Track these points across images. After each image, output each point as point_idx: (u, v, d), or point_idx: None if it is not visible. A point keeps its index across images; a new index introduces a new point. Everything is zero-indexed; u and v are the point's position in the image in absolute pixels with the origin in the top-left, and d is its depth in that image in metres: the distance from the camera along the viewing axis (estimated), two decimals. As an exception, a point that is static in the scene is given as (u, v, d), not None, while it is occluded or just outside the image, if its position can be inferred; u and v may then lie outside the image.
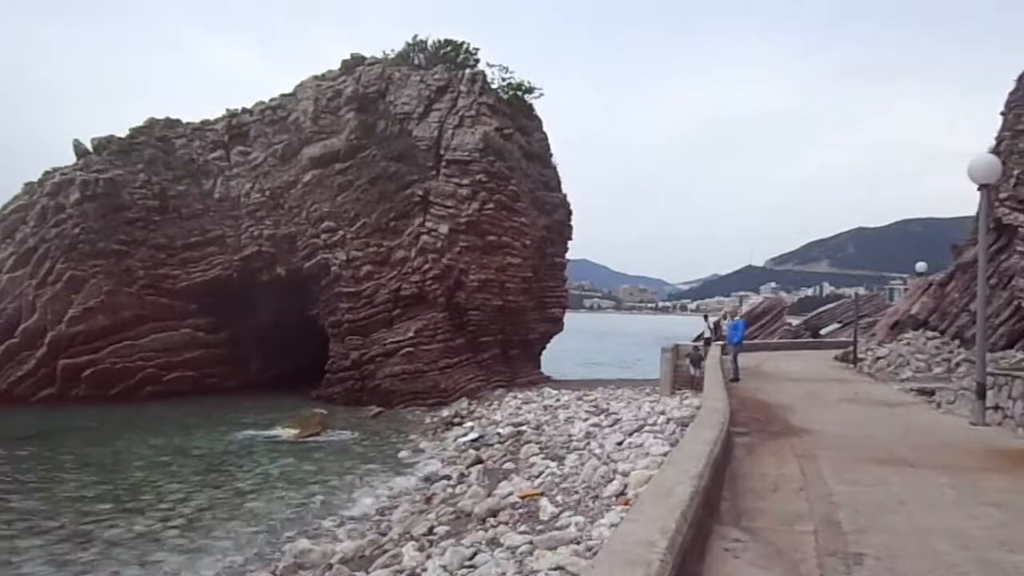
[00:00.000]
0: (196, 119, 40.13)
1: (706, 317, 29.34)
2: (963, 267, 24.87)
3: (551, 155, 41.36)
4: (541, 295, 39.28)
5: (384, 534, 15.52)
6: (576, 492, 14.96)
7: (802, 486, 8.50)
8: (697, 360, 23.51)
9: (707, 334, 26.29)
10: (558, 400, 29.43)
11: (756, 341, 42.61)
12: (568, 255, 42.92)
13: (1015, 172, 21.54)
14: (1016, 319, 22.29)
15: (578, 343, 74.59)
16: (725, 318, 29.83)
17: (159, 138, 38.25)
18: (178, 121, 39.52)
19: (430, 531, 15.04)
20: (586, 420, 23.12)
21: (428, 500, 18.12)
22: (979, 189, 13.40)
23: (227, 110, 39.80)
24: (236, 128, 38.59)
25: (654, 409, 24.91)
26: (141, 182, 36.55)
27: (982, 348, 13.57)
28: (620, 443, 17.75)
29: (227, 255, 37.64)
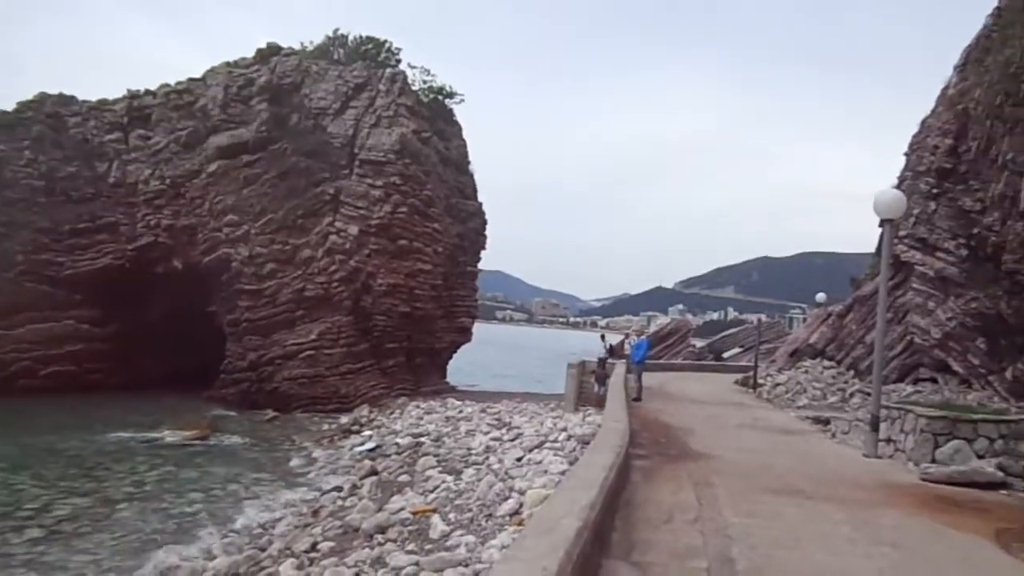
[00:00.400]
0: (93, 97, 37.74)
1: (602, 336, 28.96)
2: (861, 300, 25.59)
3: (469, 162, 40.89)
4: (451, 303, 38.64)
5: (263, 549, 14.54)
6: (470, 509, 14.39)
7: (697, 516, 8.15)
8: (603, 378, 23.29)
9: (602, 354, 26.01)
10: (461, 412, 28.81)
11: (661, 361, 43.05)
12: (482, 265, 42.48)
13: (915, 211, 22.25)
14: (908, 354, 23.02)
15: (489, 355, 74.07)
16: (628, 337, 29.88)
17: (50, 115, 35.72)
18: (73, 98, 37.03)
19: (313, 547, 14.16)
20: (487, 433, 22.59)
21: (315, 513, 17.18)
22: (882, 224, 13.57)
23: (128, 91, 37.58)
24: (137, 111, 36.47)
25: (556, 425, 24.57)
26: (26, 160, 34.08)
27: (878, 381, 13.69)
28: (519, 459, 17.29)
29: (120, 244, 35.49)
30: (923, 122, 24.87)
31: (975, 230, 20.37)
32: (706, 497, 9.18)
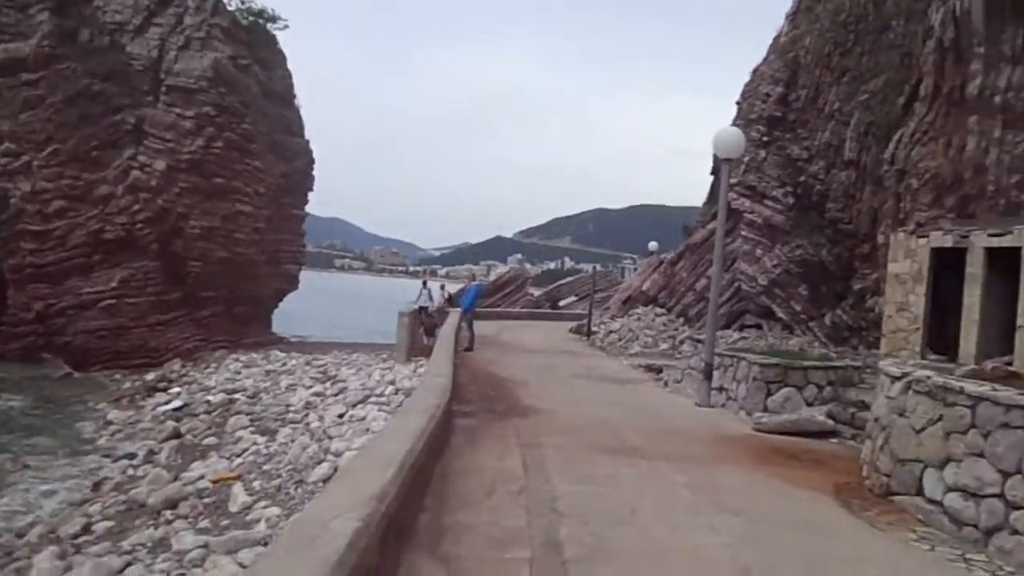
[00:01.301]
0: None
1: (424, 283, 26.96)
2: (692, 247, 25.75)
3: (295, 96, 37.73)
4: (275, 249, 35.86)
5: (22, 535, 12.24)
6: (279, 475, 12.81)
7: (523, 487, 7.04)
8: (432, 328, 22.01)
9: (424, 302, 24.46)
10: (284, 365, 26.71)
11: (499, 310, 42.49)
12: (320, 212, 39.95)
13: (745, 159, 22.33)
14: (736, 300, 23.37)
15: (325, 306, 71.09)
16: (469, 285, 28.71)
17: None
18: None
19: (86, 529, 12.06)
20: (309, 388, 20.86)
21: (97, 487, 14.88)
22: (723, 162, 13.00)
23: None
24: None
25: (384, 378, 23.10)
26: None
27: (712, 328, 13.23)
28: (341, 416, 15.83)
29: None
30: (755, 71, 24.98)
31: (802, 178, 20.65)
32: (534, 461, 8.11)
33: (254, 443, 15.67)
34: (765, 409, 11.35)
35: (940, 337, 15.83)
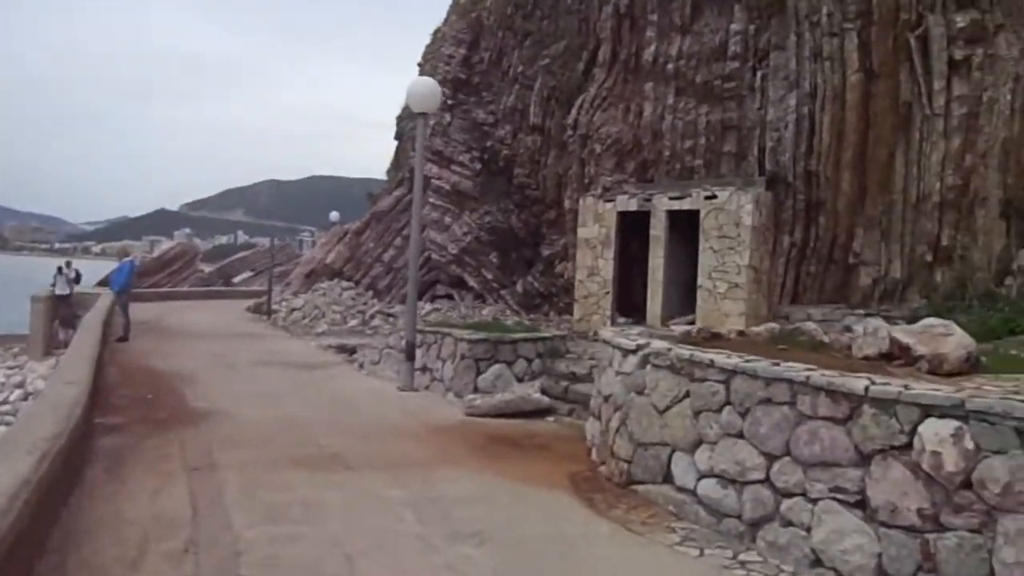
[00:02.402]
0: None
1: (60, 269, 22.77)
2: (379, 216, 24.35)
3: None
4: None
5: None
6: None
7: (190, 540, 5.06)
8: (70, 319, 18.09)
9: (62, 289, 20.47)
10: None
11: (164, 289, 37.68)
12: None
13: (431, 123, 21.34)
14: (426, 270, 22.42)
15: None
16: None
17: None
18: None
19: None
20: None
21: None
22: (419, 116, 11.68)
23: None
24: None
25: (9, 379, 18.79)
26: None
27: (412, 303, 11.93)
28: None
29: None
30: (436, 32, 24.06)
31: (489, 143, 20.16)
32: (207, 493, 6.11)
33: None
34: (476, 389, 10.33)
35: (628, 299, 16.21)
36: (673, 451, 5.91)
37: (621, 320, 15.75)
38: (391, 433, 8.62)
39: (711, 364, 5.58)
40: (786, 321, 14.20)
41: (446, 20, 23.58)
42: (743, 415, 5.27)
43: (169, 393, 10.84)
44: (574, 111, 17.81)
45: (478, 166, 20.40)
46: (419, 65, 24.33)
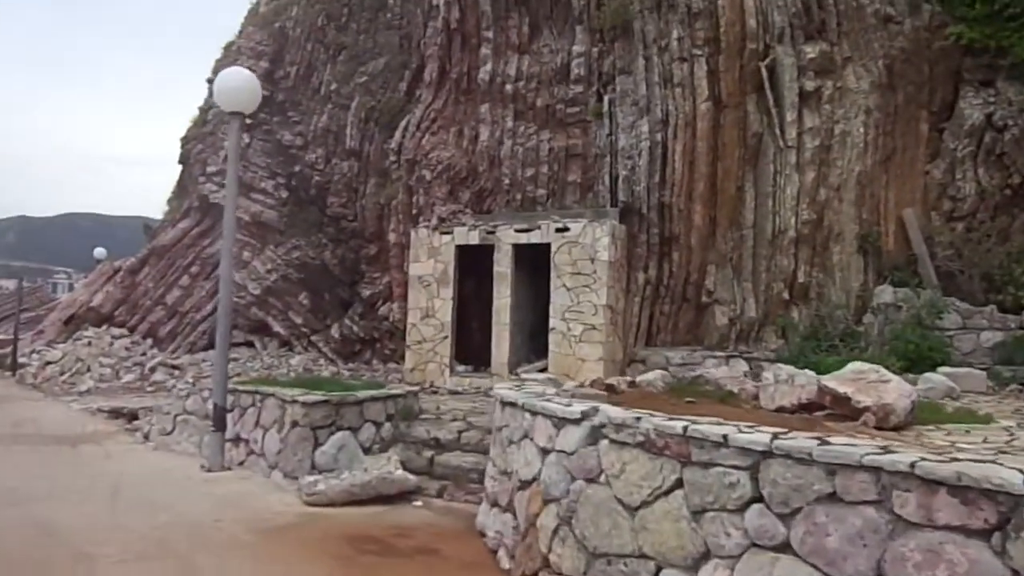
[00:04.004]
0: None
1: None
2: (160, 251, 20.77)
3: None
4: None
5: None
6: None
7: None
8: None
9: None
10: None
11: None
12: None
13: (226, 144, 18.48)
14: (219, 313, 19.26)
15: None
16: None
17: None
18: None
19: None
20: None
21: None
22: (231, 116, 9.31)
23: None
24: None
25: None
26: None
27: (223, 355, 9.37)
28: None
29: None
30: (229, 46, 21.21)
31: (297, 168, 17.69)
32: None
33: None
34: (313, 467, 8.01)
35: (465, 345, 14.44)
36: (660, 568, 4.15)
37: (460, 368, 13.93)
38: (203, 540, 6.14)
39: (724, 442, 3.91)
40: (643, 365, 13.12)
41: (241, 33, 20.83)
42: (787, 517, 3.63)
43: None
44: (398, 134, 15.96)
45: (284, 194, 17.84)
46: (209, 81, 21.33)
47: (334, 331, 17.10)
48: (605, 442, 4.56)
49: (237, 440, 9.17)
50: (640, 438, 4.35)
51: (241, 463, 9.00)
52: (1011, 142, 11.61)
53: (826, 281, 12.42)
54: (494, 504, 5.86)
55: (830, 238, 12.44)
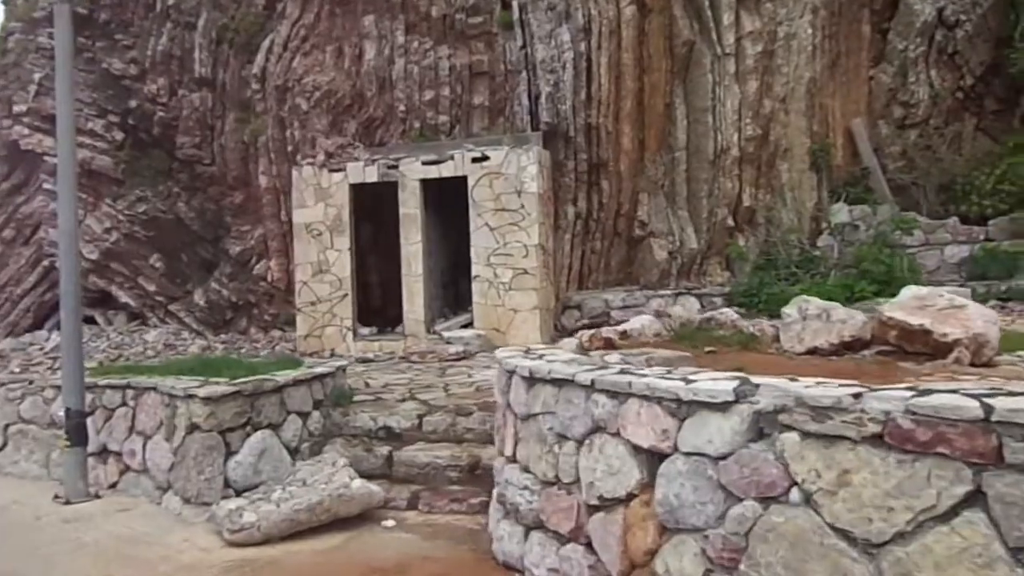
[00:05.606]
0: None
1: None
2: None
3: None
4: None
5: None
6: None
7: None
8: None
9: None
10: None
11: None
12: None
13: (36, 76, 14.96)
14: (47, 287, 15.89)
15: None
16: None
17: None
18: None
19: None
20: None
21: None
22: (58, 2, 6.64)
23: None
24: None
25: None
26: None
27: (76, 339, 6.88)
28: None
29: None
30: (27, -41, 17.29)
31: (134, 103, 14.54)
32: None
33: None
34: (227, 484, 5.85)
35: (364, 303, 12.34)
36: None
37: (364, 332, 11.85)
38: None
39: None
40: (578, 312, 11.59)
41: (42, -60, 16.99)
42: None
43: None
44: (260, 57, 13.32)
45: (119, 135, 14.69)
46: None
47: (198, 297, 14.40)
48: (792, 436, 2.85)
49: (104, 453, 6.80)
50: (873, 427, 2.67)
51: (113, 485, 6.67)
52: (964, 39, 10.75)
53: (775, 203, 11.27)
54: (537, 526, 4.07)
55: (777, 155, 11.25)
